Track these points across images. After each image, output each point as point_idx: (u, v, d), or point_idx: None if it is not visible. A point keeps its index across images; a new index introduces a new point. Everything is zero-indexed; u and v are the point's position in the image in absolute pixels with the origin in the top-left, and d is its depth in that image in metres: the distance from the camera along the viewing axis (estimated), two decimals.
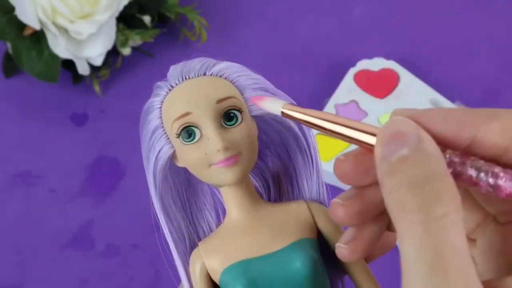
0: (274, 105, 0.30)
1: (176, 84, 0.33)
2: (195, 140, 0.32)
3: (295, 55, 0.74)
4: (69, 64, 0.68)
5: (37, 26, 0.64)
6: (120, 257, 0.62)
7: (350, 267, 0.33)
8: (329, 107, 0.67)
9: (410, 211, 0.23)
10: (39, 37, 0.66)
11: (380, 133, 0.25)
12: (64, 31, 0.65)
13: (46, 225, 0.64)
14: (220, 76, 0.33)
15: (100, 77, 0.70)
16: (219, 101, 0.32)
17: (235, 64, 0.34)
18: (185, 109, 0.32)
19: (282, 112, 0.29)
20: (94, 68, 0.68)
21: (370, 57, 0.70)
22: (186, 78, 0.33)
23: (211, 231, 0.35)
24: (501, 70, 0.73)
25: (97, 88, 0.70)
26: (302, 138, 0.35)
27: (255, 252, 0.32)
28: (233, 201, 0.33)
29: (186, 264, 0.34)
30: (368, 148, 0.26)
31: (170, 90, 0.33)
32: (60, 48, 0.65)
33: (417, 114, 0.25)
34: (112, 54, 0.70)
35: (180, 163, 0.33)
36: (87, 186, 0.66)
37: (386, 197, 0.24)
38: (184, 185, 0.35)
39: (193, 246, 0.34)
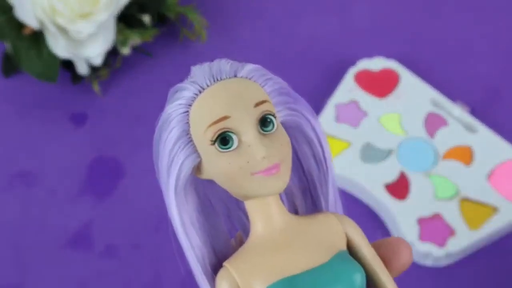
0: None
1: (207, 86, 0.30)
2: (234, 147, 0.29)
3: (295, 55, 0.74)
4: (68, 64, 0.68)
5: (36, 26, 0.64)
6: (120, 257, 0.62)
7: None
8: (329, 107, 0.67)
9: None
10: (38, 36, 0.66)
11: None
12: (64, 30, 0.65)
13: (46, 225, 0.64)
14: (249, 78, 0.31)
15: (100, 77, 0.70)
16: (257, 104, 0.29)
17: (259, 66, 0.32)
18: (223, 113, 0.29)
19: None
20: (93, 68, 0.68)
21: (370, 56, 0.70)
22: (217, 80, 0.30)
23: (232, 249, 0.32)
24: (502, 70, 0.73)
25: (96, 88, 0.70)
26: (318, 145, 0.32)
27: (298, 267, 0.29)
28: (262, 214, 0.30)
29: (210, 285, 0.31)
30: None
31: (200, 92, 0.30)
32: (59, 47, 0.65)
33: None
34: (112, 54, 0.69)
35: (204, 175, 0.30)
36: (86, 186, 0.65)
37: None
38: (206, 198, 0.32)
39: (212, 265, 0.31)
